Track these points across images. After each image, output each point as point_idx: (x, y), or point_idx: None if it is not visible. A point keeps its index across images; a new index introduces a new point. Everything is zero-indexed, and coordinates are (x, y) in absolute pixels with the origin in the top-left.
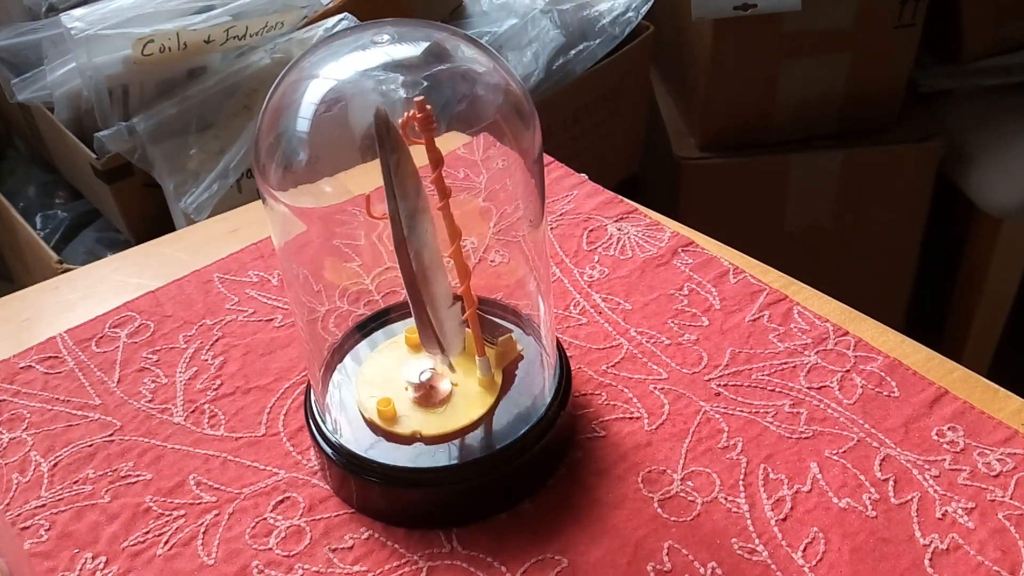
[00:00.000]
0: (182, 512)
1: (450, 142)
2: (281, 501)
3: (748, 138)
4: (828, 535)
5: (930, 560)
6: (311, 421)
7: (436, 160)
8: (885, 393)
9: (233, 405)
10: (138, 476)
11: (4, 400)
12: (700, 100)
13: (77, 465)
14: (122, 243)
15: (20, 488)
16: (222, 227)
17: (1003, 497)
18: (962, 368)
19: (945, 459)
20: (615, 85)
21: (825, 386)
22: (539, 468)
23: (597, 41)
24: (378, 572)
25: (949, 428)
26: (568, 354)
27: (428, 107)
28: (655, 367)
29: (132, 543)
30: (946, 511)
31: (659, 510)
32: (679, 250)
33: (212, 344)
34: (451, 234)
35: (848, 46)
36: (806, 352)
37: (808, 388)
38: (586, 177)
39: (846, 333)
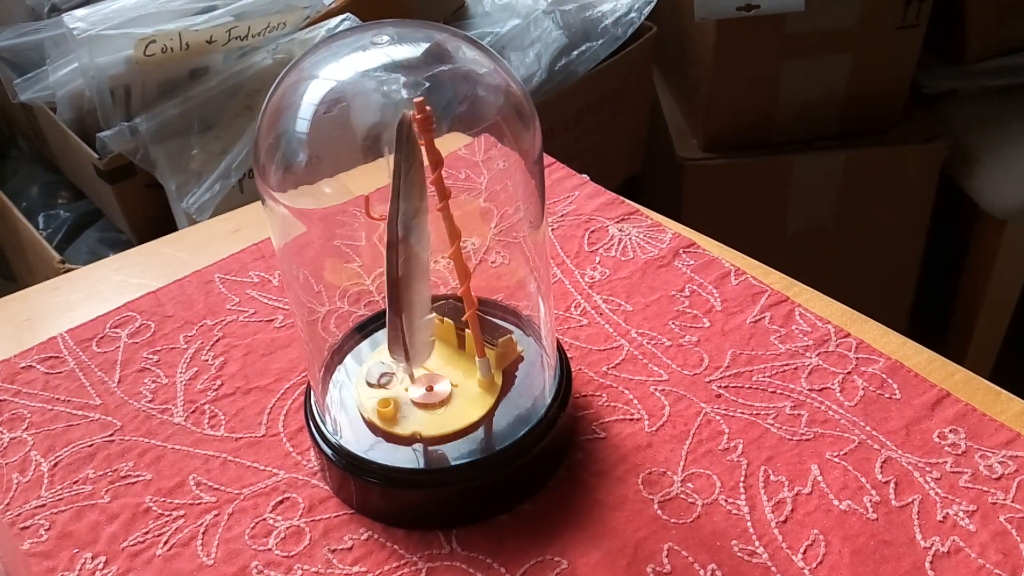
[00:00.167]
0: (182, 512)
1: (451, 143)
2: (281, 502)
3: (751, 139)
4: (829, 537)
5: (931, 563)
6: (311, 422)
7: (436, 161)
8: (887, 395)
9: (233, 405)
10: (138, 476)
11: (5, 400)
12: (703, 101)
13: (77, 465)
14: (124, 243)
15: (20, 488)
16: (224, 227)
17: (1005, 500)
18: (964, 370)
19: (947, 461)
20: (617, 86)
21: (826, 388)
22: (539, 469)
23: (600, 42)
24: (377, 573)
25: (951, 430)
26: (569, 355)
27: (427, 108)
28: (656, 368)
29: (132, 543)
30: (947, 514)
31: (659, 512)
32: (680, 251)
33: (213, 344)
34: (451, 235)
35: (851, 47)
36: (807, 354)
37: (809, 390)
38: (587, 178)
39: (847, 335)
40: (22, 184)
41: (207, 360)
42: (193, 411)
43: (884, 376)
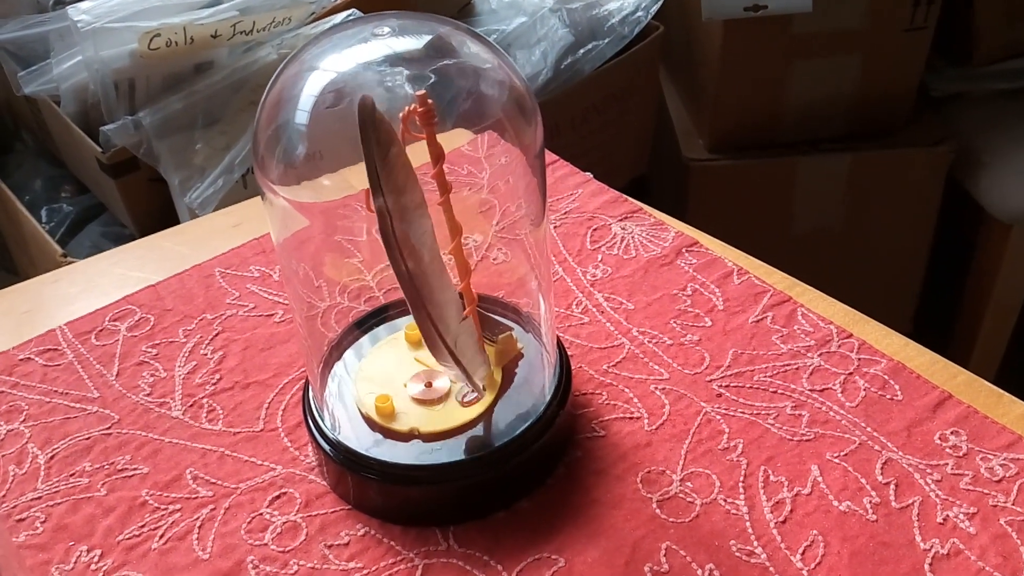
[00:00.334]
0: (178, 506)
1: (455, 139)
2: (278, 497)
3: (757, 139)
4: (827, 538)
5: (930, 565)
6: (309, 417)
7: (437, 155)
8: (888, 396)
9: (231, 400)
10: (135, 470)
11: (3, 392)
12: (709, 101)
13: (74, 458)
14: (127, 237)
15: (16, 480)
16: (225, 221)
17: (1005, 503)
18: (966, 372)
19: (947, 463)
20: (624, 85)
21: (827, 388)
22: (537, 467)
23: (606, 40)
24: (373, 569)
25: (952, 432)
26: (569, 353)
27: (429, 101)
28: (656, 367)
29: (127, 536)
30: (947, 516)
31: (658, 511)
32: (683, 250)
33: (212, 339)
34: (452, 230)
35: (859, 48)
36: (809, 354)
37: (810, 390)
38: (591, 176)
39: (850, 335)
40: (26, 177)
41: (206, 354)
42: (191, 405)
43: (886, 377)
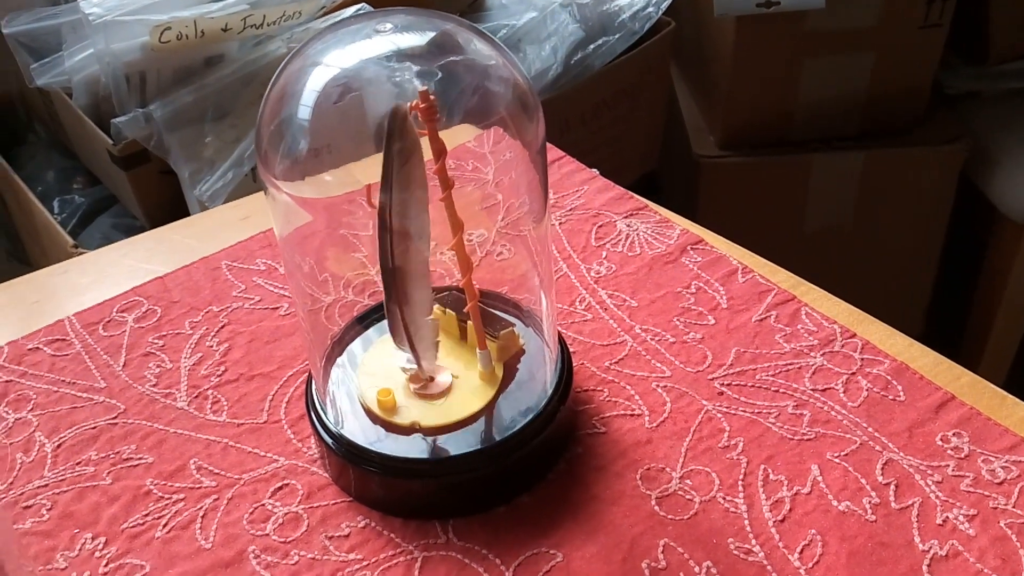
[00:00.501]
0: (182, 496)
1: (460, 135)
2: (280, 488)
3: (769, 137)
4: (826, 538)
5: (928, 566)
6: (311, 410)
7: (439, 151)
8: (890, 397)
9: (236, 392)
10: (140, 459)
11: (11, 381)
12: (721, 98)
13: (80, 447)
14: (138, 229)
15: (24, 468)
16: (233, 214)
17: (1006, 505)
18: (970, 374)
19: (948, 465)
20: (635, 81)
21: (830, 388)
22: (538, 462)
23: (617, 36)
24: (373, 561)
25: (954, 434)
26: (572, 350)
27: (432, 97)
28: (659, 365)
29: (131, 525)
30: (947, 517)
31: (656, 508)
32: (688, 248)
33: (218, 331)
34: (453, 226)
35: (872, 46)
36: (812, 353)
37: (812, 390)
38: (597, 172)
39: (853, 335)
40: (39, 169)
41: (212, 346)
42: (196, 396)
43: (889, 377)
